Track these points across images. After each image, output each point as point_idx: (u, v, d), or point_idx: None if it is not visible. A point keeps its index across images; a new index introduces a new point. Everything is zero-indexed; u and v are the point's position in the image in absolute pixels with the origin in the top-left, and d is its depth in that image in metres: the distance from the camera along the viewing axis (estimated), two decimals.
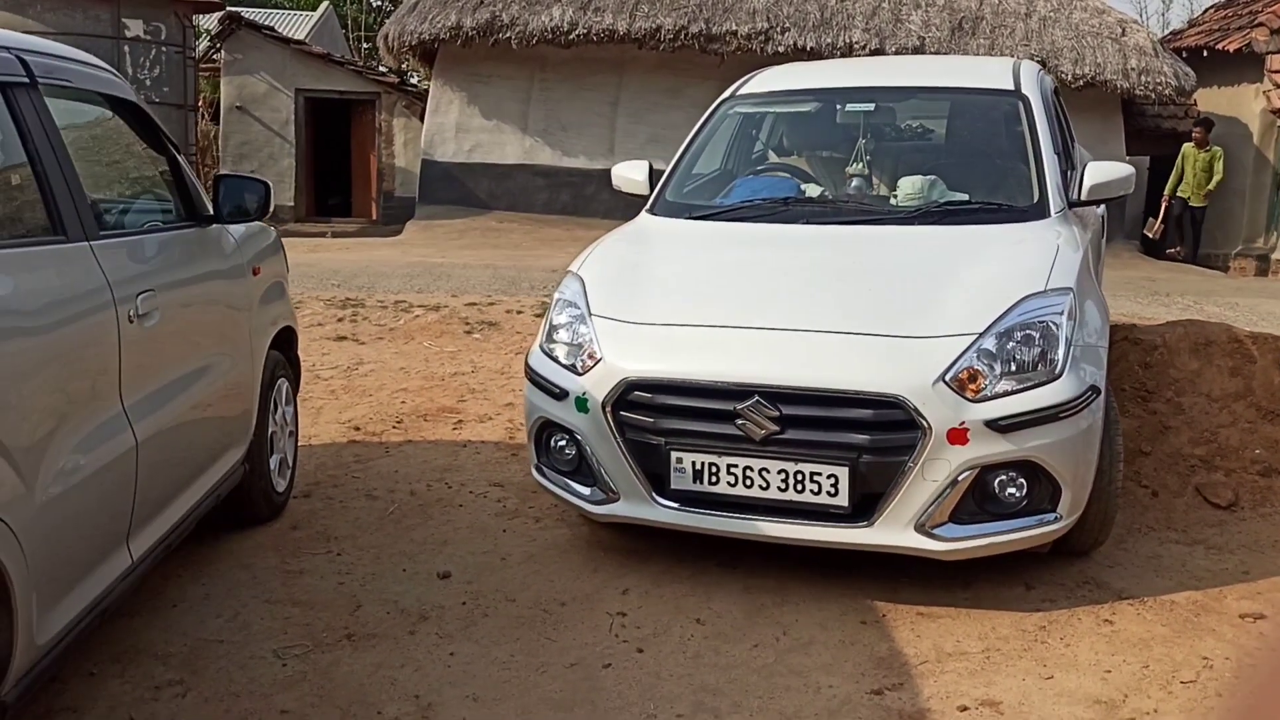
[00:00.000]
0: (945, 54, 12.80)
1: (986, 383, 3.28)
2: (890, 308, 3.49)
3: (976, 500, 3.31)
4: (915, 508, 3.27)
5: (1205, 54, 14.68)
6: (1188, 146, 13.81)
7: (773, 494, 3.37)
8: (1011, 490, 3.32)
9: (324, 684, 2.98)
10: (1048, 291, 3.46)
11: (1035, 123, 4.34)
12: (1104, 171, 4.15)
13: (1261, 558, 3.76)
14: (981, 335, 3.33)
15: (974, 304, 3.43)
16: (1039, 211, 4.05)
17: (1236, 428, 4.49)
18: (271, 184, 3.74)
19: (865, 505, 3.32)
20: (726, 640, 3.25)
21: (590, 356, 3.59)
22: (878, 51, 13.02)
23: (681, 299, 3.69)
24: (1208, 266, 14.07)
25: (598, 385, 3.51)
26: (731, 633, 3.30)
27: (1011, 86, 4.55)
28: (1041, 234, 3.87)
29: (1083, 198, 4.14)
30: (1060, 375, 3.31)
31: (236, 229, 3.79)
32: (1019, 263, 3.65)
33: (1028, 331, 3.37)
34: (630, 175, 4.71)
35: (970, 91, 4.73)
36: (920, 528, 3.29)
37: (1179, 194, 13.92)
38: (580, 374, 3.59)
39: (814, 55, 12.63)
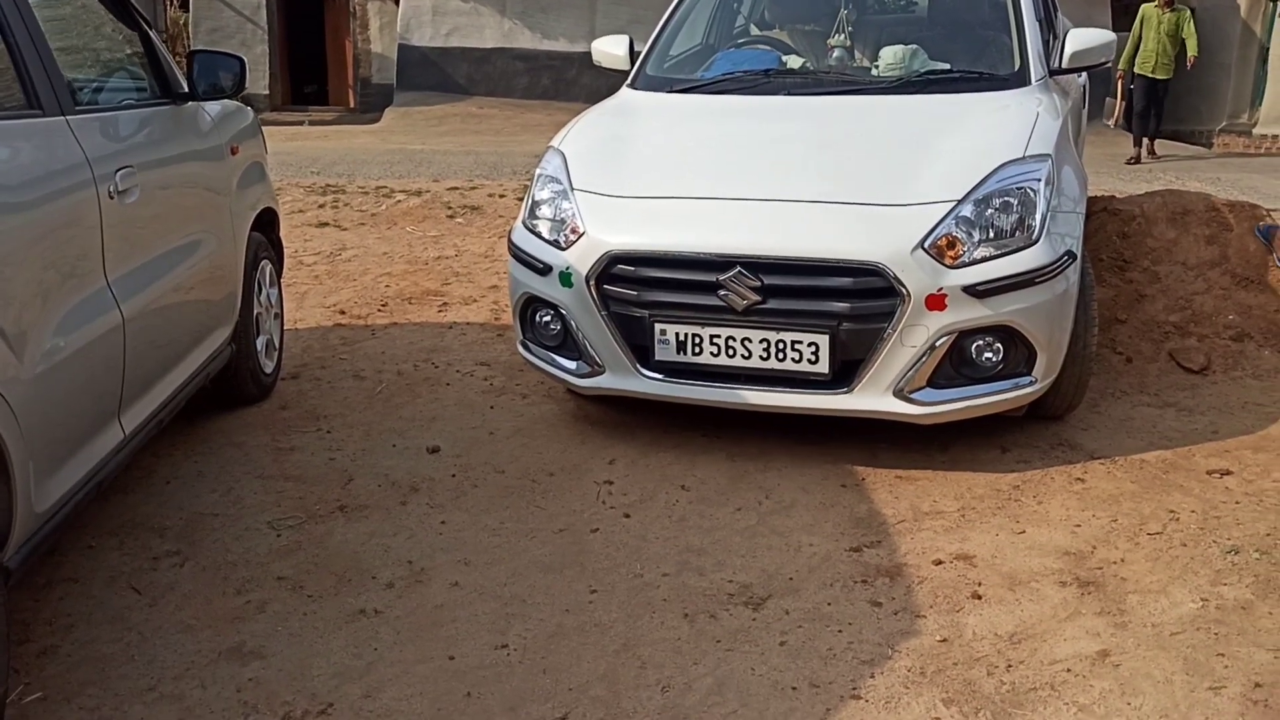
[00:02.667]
0: None
1: (965, 249, 3.32)
2: (870, 177, 3.50)
3: (954, 365, 3.38)
4: (894, 373, 3.34)
5: None
6: (1148, 6, 11.50)
7: (755, 363, 3.43)
8: (988, 354, 3.39)
9: (319, 552, 3.06)
10: (1026, 158, 3.48)
11: None
12: (1085, 39, 4.12)
13: (1230, 418, 3.86)
14: (960, 202, 3.35)
15: (953, 171, 3.45)
16: (1020, 79, 4.03)
17: (1211, 295, 4.55)
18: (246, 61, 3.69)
19: (845, 372, 3.39)
20: (710, 505, 3.35)
21: (573, 231, 3.61)
22: None
23: (663, 172, 3.69)
24: (1191, 143, 14.02)
25: (581, 259, 3.54)
26: (715, 497, 3.39)
27: None
28: (1022, 101, 3.87)
29: (1064, 65, 4.12)
30: (1037, 241, 3.35)
31: (213, 107, 3.75)
32: (998, 130, 3.66)
33: (1006, 198, 3.40)
34: (611, 50, 4.66)
35: None
36: (899, 393, 3.37)
37: (1138, 69, 11.55)
38: (564, 249, 3.61)
39: None
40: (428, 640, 2.64)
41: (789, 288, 3.36)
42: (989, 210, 3.37)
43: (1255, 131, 14.00)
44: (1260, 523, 3.10)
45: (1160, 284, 4.66)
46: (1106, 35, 4.16)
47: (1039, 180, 3.43)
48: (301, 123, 14.65)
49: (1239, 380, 4.21)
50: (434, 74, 14.14)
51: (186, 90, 3.52)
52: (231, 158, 3.82)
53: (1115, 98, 12.28)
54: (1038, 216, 3.38)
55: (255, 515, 3.27)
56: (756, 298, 3.35)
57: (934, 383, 3.37)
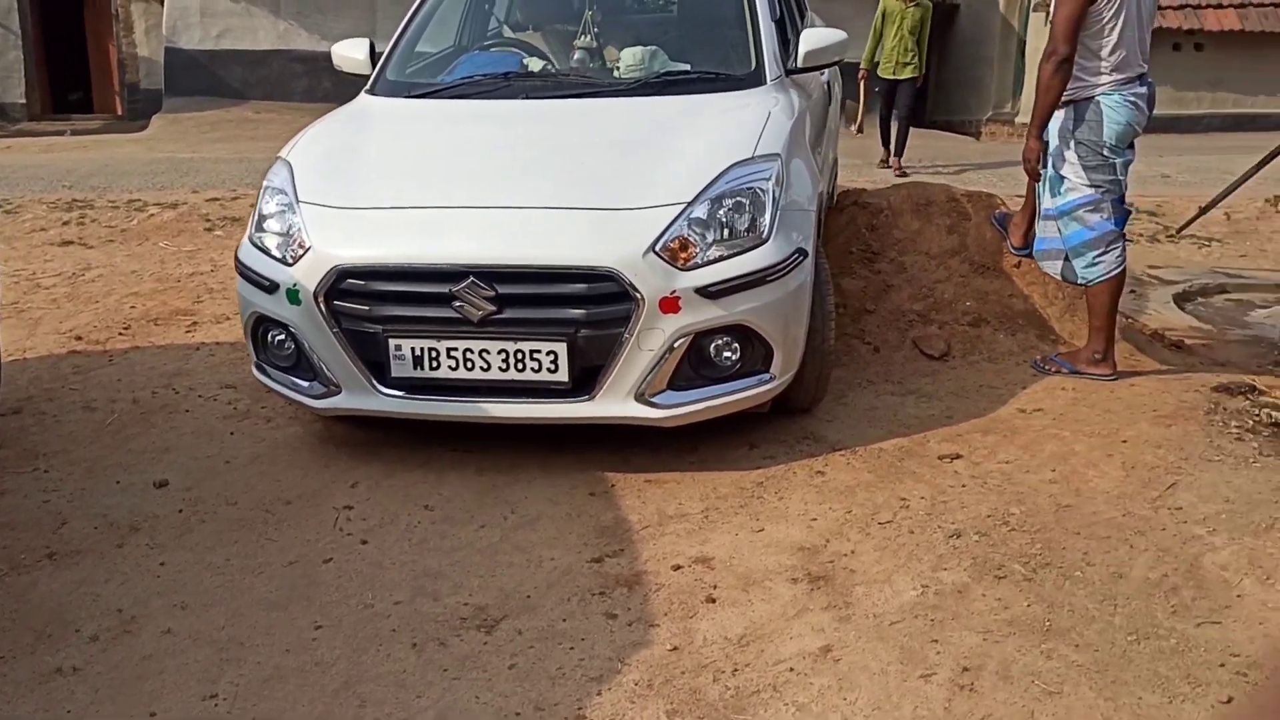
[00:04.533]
0: None
1: (697, 251, 3.32)
2: (604, 180, 3.47)
3: (693, 366, 3.38)
4: (634, 378, 3.32)
5: None
6: (889, 0, 10.11)
7: (495, 375, 3.34)
8: (726, 354, 3.41)
9: (18, 607, 2.81)
10: (755, 158, 3.51)
11: None
12: (819, 38, 4.21)
13: (965, 402, 4.02)
14: (691, 204, 3.36)
15: (684, 174, 3.45)
16: (755, 79, 4.09)
17: (951, 282, 4.74)
18: None
19: (586, 379, 3.35)
20: (454, 524, 3.25)
21: (300, 245, 3.44)
22: None
23: (394, 181, 3.57)
24: (962, 132, 14.75)
25: (308, 275, 3.38)
26: (460, 516, 3.30)
27: None
28: (755, 101, 3.91)
29: (799, 65, 4.20)
30: (767, 239, 3.39)
31: None
32: (730, 131, 3.69)
33: (736, 198, 3.42)
34: (350, 54, 4.49)
35: None
36: (640, 397, 3.35)
37: (880, 71, 10.21)
38: (290, 264, 3.44)
39: None
40: (129, 696, 2.45)
41: (524, 296, 3.29)
42: (719, 211, 3.38)
43: (1017, 120, 14.83)
44: (983, 505, 3.22)
45: (905, 274, 4.82)
46: (838, 35, 4.26)
47: (768, 180, 3.46)
48: (63, 133, 13.72)
49: (975, 364, 4.39)
50: (205, 78, 13.48)
51: None
52: None
53: (858, 102, 10.59)
54: (767, 215, 3.41)
55: None
56: (492, 308, 3.27)
57: (674, 385, 3.37)
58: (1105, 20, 3.93)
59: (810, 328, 3.63)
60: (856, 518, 3.19)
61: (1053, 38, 3.94)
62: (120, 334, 5.03)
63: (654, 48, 4.27)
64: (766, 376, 3.46)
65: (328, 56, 4.65)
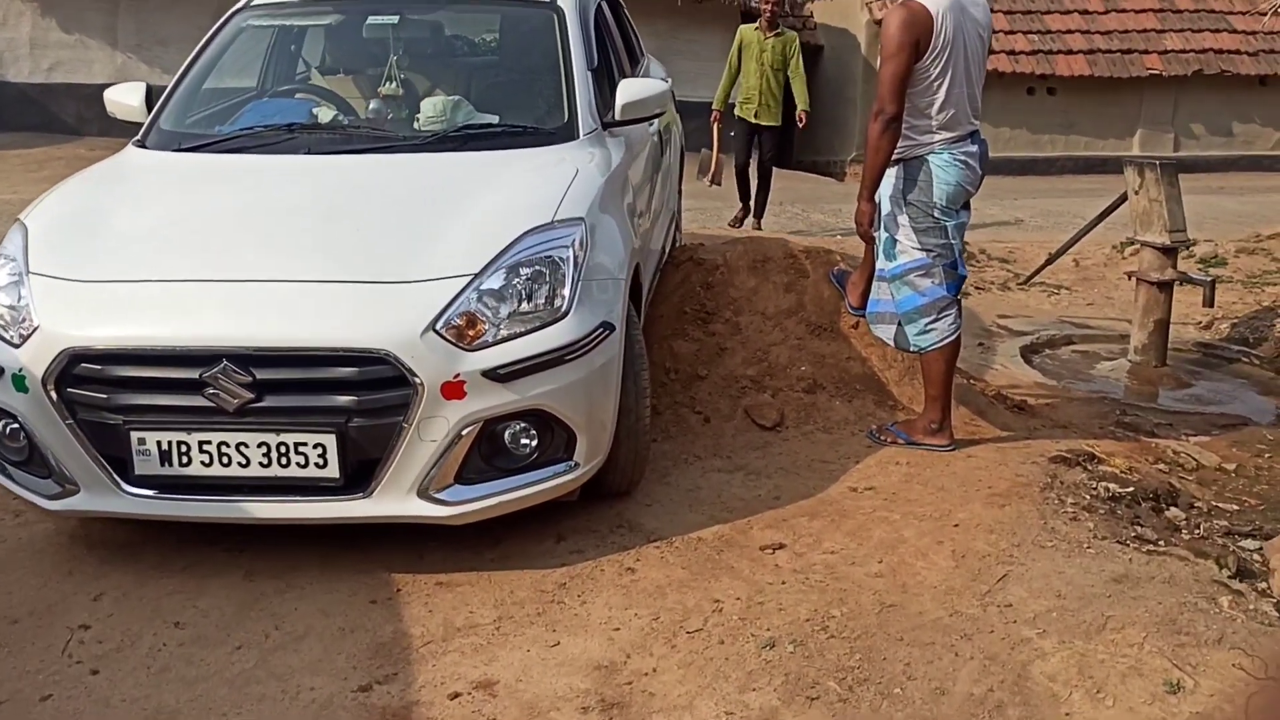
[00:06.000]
0: None
1: (487, 328, 2.97)
2: (381, 250, 3.10)
3: (484, 456, 3.03)
4: (415, 472, 2.95)
5: None
6: (746, 29, 8.58)
7: (256, 471, 2.94)
8: (523, 442, 3.07)
9: None
10: (555, 224, 3.19)
11: (569, 37, 4.04)
12: (636, 89, 3.93)
13: (795, 480, 3.74)
14: (479, 275, 3.01)
15: (474, 241, 3.11)
16: (567, 134, 3.77)
17: (787, 345, 4.49)
18: None
19: (361, 474, 2.96)
20: (205, 645, 2.82)
21: (28, 323, 2.99)
22: None
23: (140, 249, 3.14)
24: (826, 173, 14.79)
25: (35, 359, 2.92)
26: (214, 634, 2.87)
27: None
28: (564, 158, 3.59)
29: (617, 118, 3.90)
30: (566, 314, 3.06)
31: None
32: (530, 193, 3.36)
33: (535, 267, 3.09)
34: (124, 100, 4.05)
35: (506, 3, 4.37)
36: (423, 493, 2.98)
37: (739, 112, 8.64)
38: (18, 346, 2.98)
39: None
40: None
41: (286, 382, 2.89)
42: (513, 283, 3.05)
43: None
44: (802, 606, 2.92)
45: (740, 335, 4.55)
46: (658, 86, 3.99)
47: (568, 248, 3.14)
48: None
49: (809, 434, 4.13)
50: (36, 113, 12.66)
51: None
52: None
53: (711, 149, 8.87)
54: (567, 288, 3.09)
55: None
56: (250, 395, 2.87)
57: (463, 478, 3.01)
58: (932, 78, 3.74)
59: (623, 406, 3.31)
60: (664, 625, 2.86)
61: (879, 96, 3.73)
62: None
63: (457, 98, 3.92)
64: (569, 465, 3.13)
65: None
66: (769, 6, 8.48)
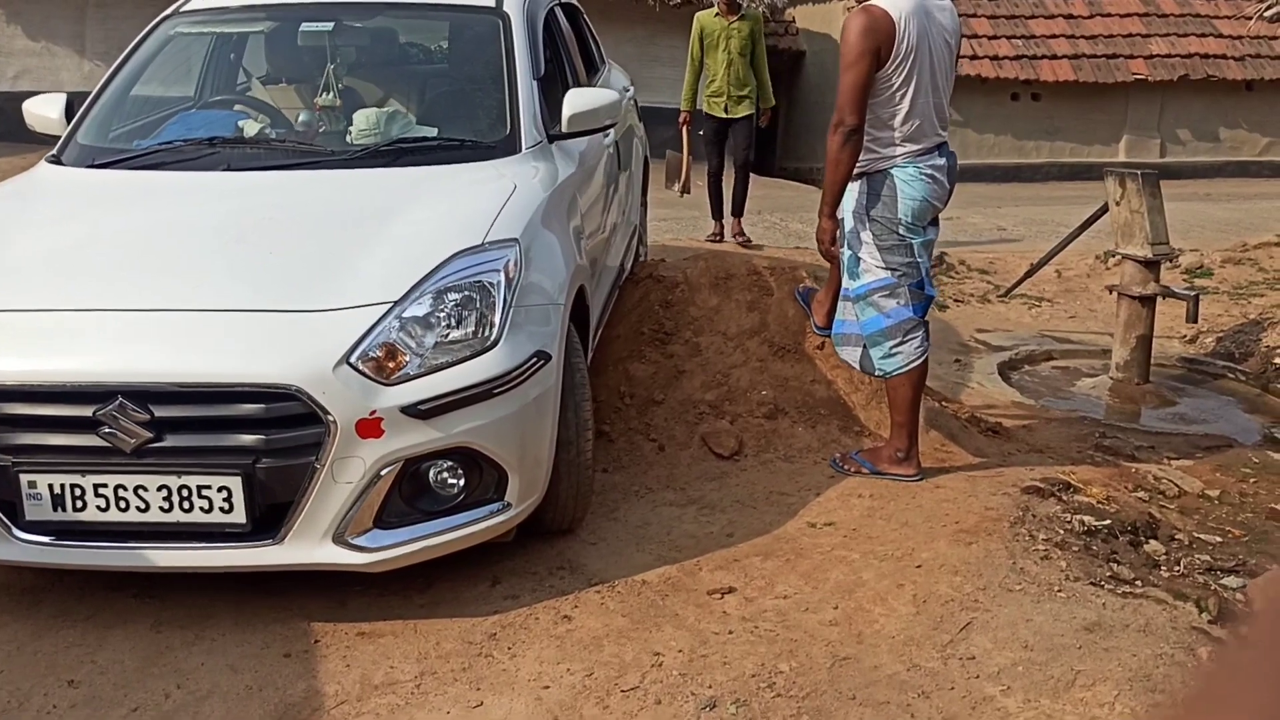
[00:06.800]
0: None
1: (409, 360, 2.75)
2: (295, 275, 2.88)
3: (406, 498, 2.80)
4: (330, 516, 2.72)
5: None
6: (705, 16, 7.30)
7: (156, 515, 2.71)
8: (450, 482, 2.84)
9: None
10: (486, 246, 2.96)
11: (514, 45, 3.82)
12: (585, 100, 3.71)
13: (750, 514, 3.52)
14: (399, 303, 2.79)
15: (397, 264, 2.88)
16: (509, 147, 3.55)
17: (748, 367, 4.28)
18: None
19: (271, 519, 2.73)
20: (100, 706, 2.59)
21: None
22: None
23: (34, 276, 2.91)
24: (807, 181, 14.58)
25: None
26: (110, 694, 2.64)
27: (493, 3, 3.99)
28: (503, 174, 3.37)
29: (564, 130, 3.68)
30: (495, 344, 2.83)
31: None
32: (459, 212, 3.14)
33: (462, 294, 2.87)
34: (42, 112, 3.84)
35: (449, 9, 4.15)
36: (339, 539, 2.75)
37: (707, 108, 7.34)
38: None
39: None
40: None
41: (188, 420, 2.67)
42: (439, 310, 2.82)
43: None
44: (748, 659, 2.70)
45: (700, 357, 4.34)
46: (608, 96, 3.77)
47: (499, 271, 2.92)
48: None
49: (769, 464, 3.91)
50: (2, 122, 12.43)
51: None
52: None
53: (681, 150, 7.83)
54: (497, 315, 2.87)
55: None
56: (148, 435, 2.64)
57: (383, 522, 2.78)
58: (895, 87, 3.53)
59: (562, 439, 3.09)
60: (597, 683, 2.64)
61: (839, 107, 3.52)
62: None
63: (392, 109, 3.70)
64: (501, 505, 2.90)
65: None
66: None
